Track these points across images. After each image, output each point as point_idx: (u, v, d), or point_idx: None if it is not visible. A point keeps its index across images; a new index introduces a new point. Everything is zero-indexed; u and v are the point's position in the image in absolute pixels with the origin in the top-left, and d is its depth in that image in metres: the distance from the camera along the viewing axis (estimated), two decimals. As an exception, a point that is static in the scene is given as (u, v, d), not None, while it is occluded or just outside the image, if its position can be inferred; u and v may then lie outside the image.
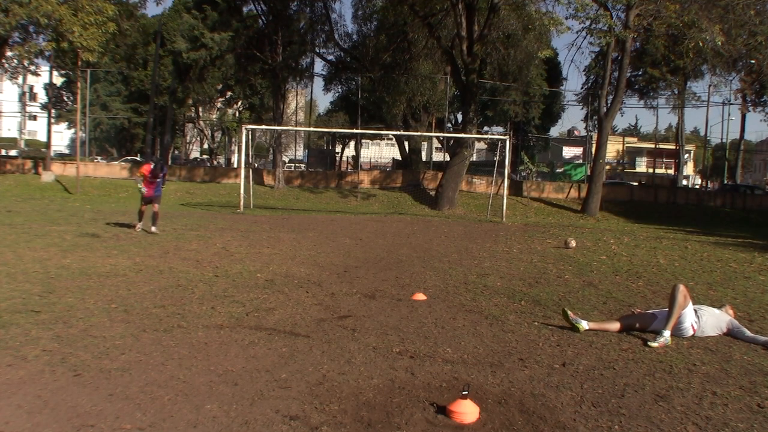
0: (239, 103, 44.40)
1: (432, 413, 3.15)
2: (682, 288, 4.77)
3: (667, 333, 4.58)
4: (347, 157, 45.02)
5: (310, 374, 3.63)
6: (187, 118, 44.48)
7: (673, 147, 38.28)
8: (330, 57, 31.31)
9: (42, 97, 44.13)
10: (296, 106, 43.43)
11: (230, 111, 46.64)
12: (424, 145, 36.37)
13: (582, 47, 60.97)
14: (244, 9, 29.92)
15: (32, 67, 25.47)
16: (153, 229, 10.69)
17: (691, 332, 4.75)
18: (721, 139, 41.08)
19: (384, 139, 47.75)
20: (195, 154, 56.43)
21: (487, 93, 29.10)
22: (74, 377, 3.43)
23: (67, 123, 44.40)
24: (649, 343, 4.49)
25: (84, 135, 34.11)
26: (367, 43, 29.11)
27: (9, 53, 23.33)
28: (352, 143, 44.54)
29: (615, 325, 4.87)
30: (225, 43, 29.31)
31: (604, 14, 19.00)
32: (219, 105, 44.76)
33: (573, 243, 11.07)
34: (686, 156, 43.41)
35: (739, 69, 28.85)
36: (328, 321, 4.94)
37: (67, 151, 45.55)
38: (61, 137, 51.65)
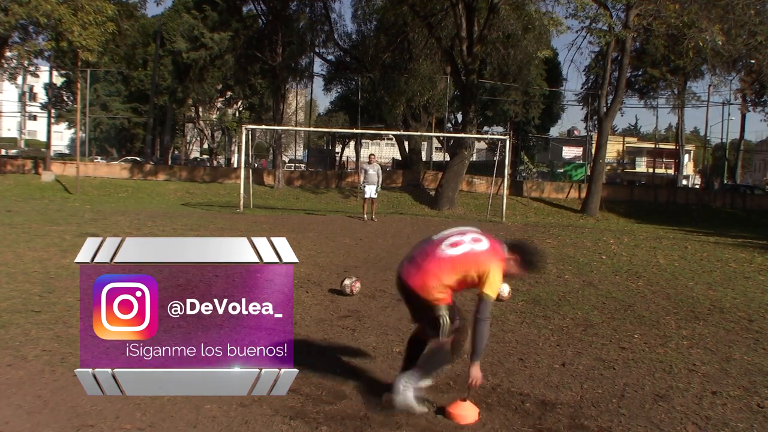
0: (239, 103, 44.32)
1: (432, 413, 3.16)
2: None
3: None
4: (347, 157, 45.01)
5: (310, 374, 3.63)
6: (187, 118, 44.42)
7: (673, 147, 38.25)
8: (330, 57, 31.30)
9: (42, 97, 44.05)
10: (296, 106, 43.37)
11: (230, 111, 46.57)
12: (424, 145, 36.30)
13: (582, 47, 60.58)
14: (244, 9, 29.90)
15: (31, 68, 25.41)
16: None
17: None
18: (721, 139, 40.97)
19: (384, 139, 47.64)
20: (195, 154, 56.38)
21: (487, 93, 29.05)
22: (74, 377, 3.42)
23: (67, 123, 44.34)
24: None
25: (84, 135, 34.06)
26: (367, 43, 29.07)
27: (8, 53, 23.30)
28: (352, 143, 44.48)
29: None
30: (225, 43, 29.28)
31: (604, 14, 18.96)
32: (219, 105, 44.67)
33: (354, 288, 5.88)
34: (686, 156, 43.34)
35: (739, 69, 28.80)
36: (328, 321, 4.94)
37: (67, 151, 45.43)
38: (61, 137, 51.55)
